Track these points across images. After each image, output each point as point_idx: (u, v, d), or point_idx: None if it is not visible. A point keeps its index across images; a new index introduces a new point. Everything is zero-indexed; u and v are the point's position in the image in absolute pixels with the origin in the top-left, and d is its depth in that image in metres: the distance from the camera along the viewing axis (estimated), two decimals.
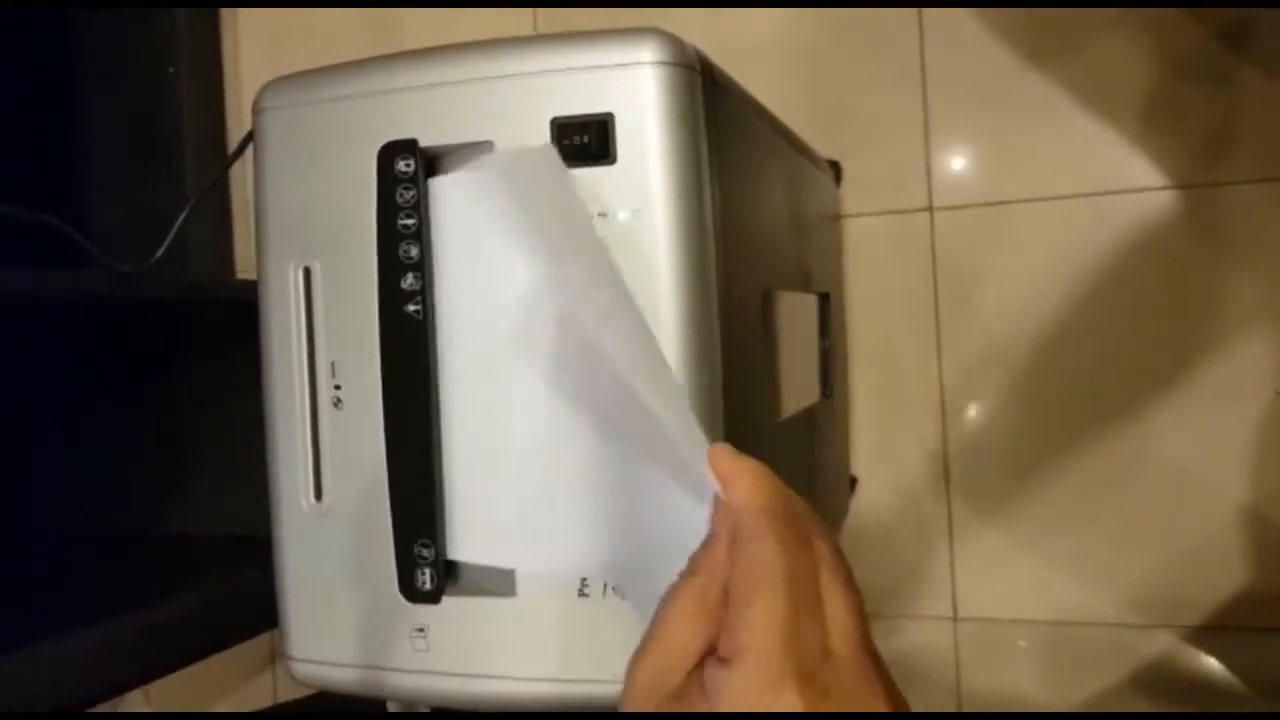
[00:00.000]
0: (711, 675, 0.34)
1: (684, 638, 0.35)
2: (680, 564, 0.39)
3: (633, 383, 0.42)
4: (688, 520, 0.41)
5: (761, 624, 0.33)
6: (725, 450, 0.39)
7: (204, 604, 0.83)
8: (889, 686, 0.35)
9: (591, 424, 0.47)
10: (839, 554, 0.38)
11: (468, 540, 0.54)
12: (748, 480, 0.38)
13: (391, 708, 0.76)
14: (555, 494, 0.50)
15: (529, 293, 0.48)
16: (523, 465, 0.51)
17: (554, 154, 0.51)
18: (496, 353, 0.52)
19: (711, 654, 0.35)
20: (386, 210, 0.55)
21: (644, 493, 0.44)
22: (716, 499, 0.39)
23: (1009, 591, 1.08)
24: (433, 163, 0.55)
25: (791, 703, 0.32)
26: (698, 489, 0.40)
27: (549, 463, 0.50)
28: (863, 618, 0.36)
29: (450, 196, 0.53)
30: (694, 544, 0.39)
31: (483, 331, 0.53)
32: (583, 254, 0.48)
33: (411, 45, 0.57)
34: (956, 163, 1.09)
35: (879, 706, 0.34)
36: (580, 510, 0.48)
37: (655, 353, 0.45)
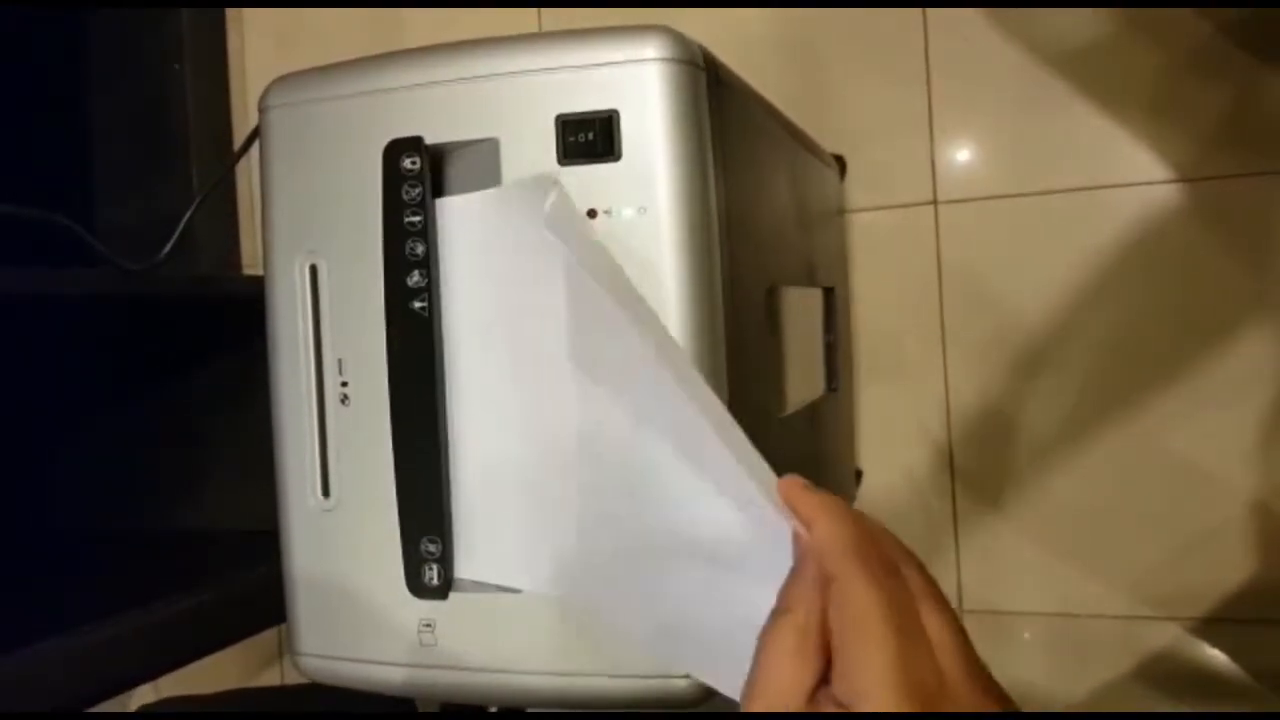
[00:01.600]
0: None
1: (792, 676, 0.35)
2: (741, 584, 0.39)
3: (693, 412, 0.42)
4: (749, 543, 0.40)
5: (874, 664, 0.34)
6: (796, 484, 0.39)
7: (212, 599, 0.84)
8: (1001, 697, 0.35)
9: (637, 444, 0.47)
10: (926, 574, 0.38)
11: (474, 558, 0.54)
12: (827, 518, 0.38)
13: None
14: (569, 508, 0.50)
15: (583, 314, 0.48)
16: (527, 462, 0.52)
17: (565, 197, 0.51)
18: (507, 351, 0.52)
19: (820, 688, 0.35)
20: (392, 207, 0.55)
21: (690, 508, 0.44)
22: (796, 535, 0.39)
23: (1014, 584, 1.08)
24: (438, 160, 0.55)
25: None
26: (759, 520, 0.40)
27: (555, 462, 0.50)
28: (963, 633, 0.36)
29: (462, 216, 0.54)
30: (761, 569, 0.39)
31: (488, 327, 0.53)
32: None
33: (416, 44, 0.57)
34: (961, 156, 1.09)
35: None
36: (588, 515, 0.49)
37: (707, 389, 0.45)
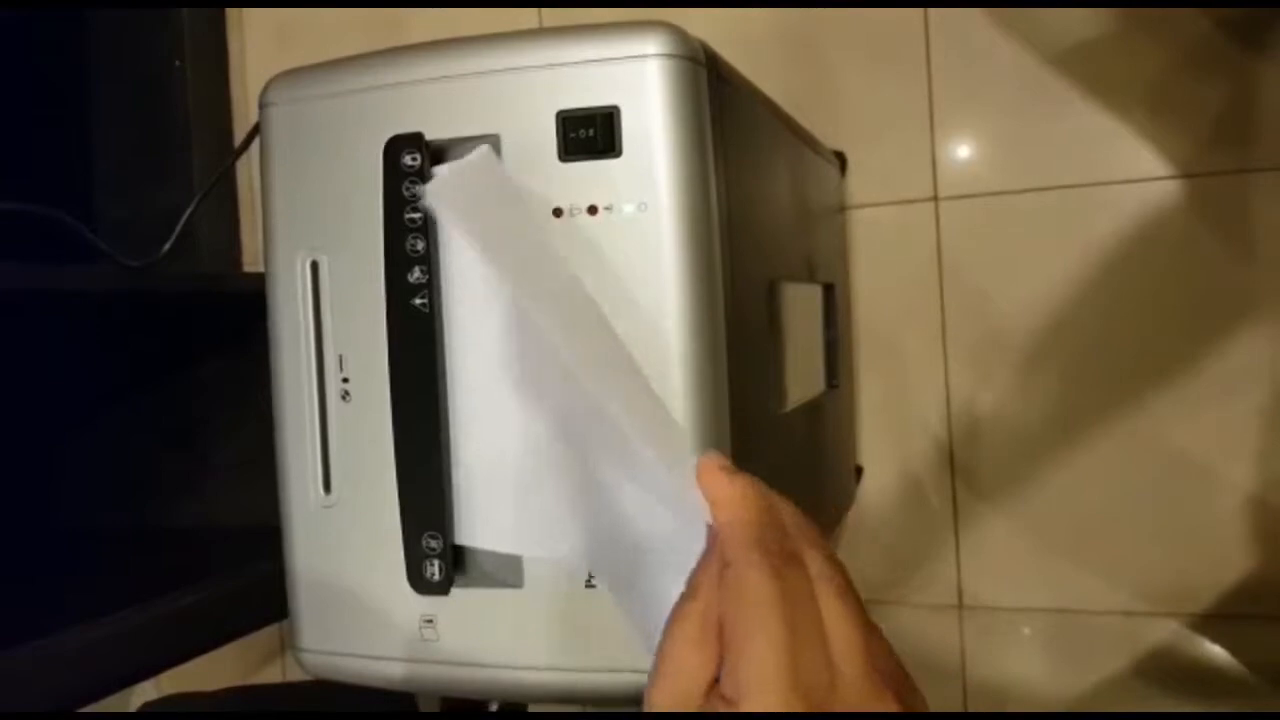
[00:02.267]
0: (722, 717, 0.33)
1: (693, 665, 0.34)
2: (668, 575, 0.38)
3: (601, 394, 0.42)
4: (674, 533, 0.40)
5: (761, 661, 0.32)
6: (712, 465, 0.38)
7: (214, 596, 0.84)
8: (901, 690, 0.34)
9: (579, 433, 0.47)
10: (833, 561, 0.37)
11: (474, 527, 0.55)
12: (730, 504, 0.37)
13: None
14: (553, 489, 0.50)
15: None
16: (525, 459, 0.52)
17: (491, 156, 0.50)
18: (507, 346, 0.52)
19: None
20: (393, 204, 0.55)
21: (630, 499, 0.44)
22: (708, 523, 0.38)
23: (1014, 579, 1.08)
24: (439, 156, 0.55)
25: None
26: (681, 502, 0.39)
27: (548, 458, 0.50)
28: (863, 623, 0.35)
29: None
30: (680, 557, 0.38)
31: (488, 324, 0.53)
32: (537, 262, 0.48)
33: (416, 42, 0.57)
34: (961, 152, 1.09)
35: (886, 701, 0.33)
36: (576, 507, 0.49)
37: (628, 366, 0.45)
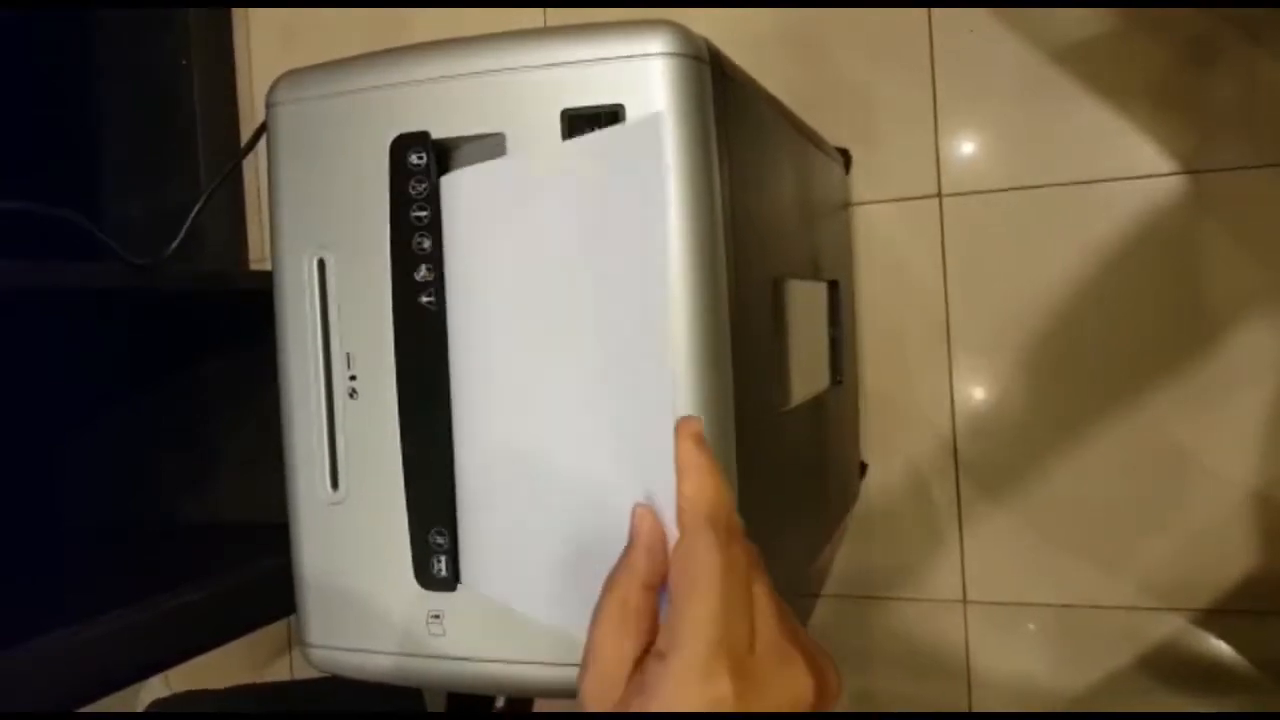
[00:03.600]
0: (652, 669, 0.37)
1: (614, 653, 0.38)
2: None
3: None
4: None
5: (699, 619, 0.37)
6: (689, 430, 0.41)
7: (222, 591, 0.84)
8: (810, 655, 0.38)
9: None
10: (756, 551, 0.41)
11: (481, 557, 0.55)
12: (697, 473, 0.40)
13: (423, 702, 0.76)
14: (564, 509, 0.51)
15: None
16: (535, 459, 0.52)
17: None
18: (515, 341, 0.52)
19: (646, 654, 0.38)
20: (399, 202, 0.55)
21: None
22: (633, 509, 0.42)
23: (1018, 575, 1.08)
24: (445, 155, 0.55)
25: (723, 691, 0.35)
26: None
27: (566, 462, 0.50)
28: (776, 598, 0.39)
29: (464, 189, 0.54)
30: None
31: (495, 321, 0.53)
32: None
33: (421, 41, 0.57)
34: (965, 149, 1.09)
35: (801, 681, 0.37)
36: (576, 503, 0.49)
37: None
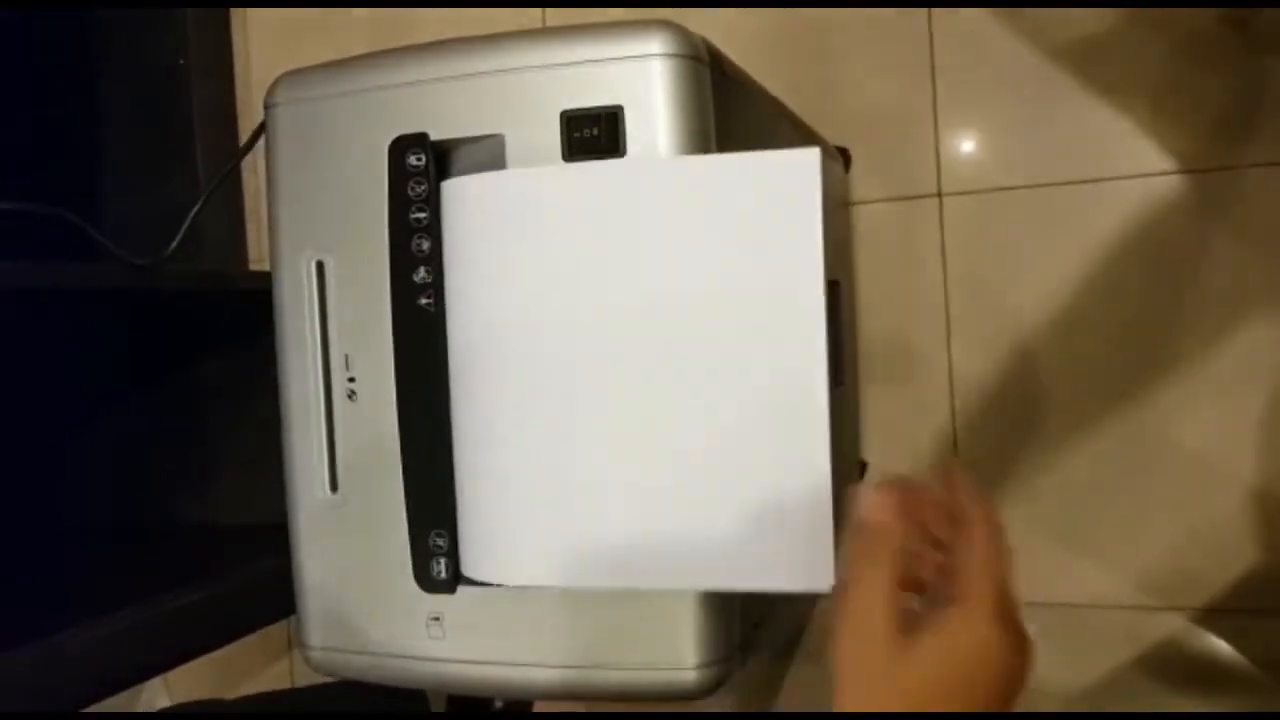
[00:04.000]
0: (940, 610, 0.42)
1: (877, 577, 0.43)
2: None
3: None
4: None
5: (991, 577, 0.43)
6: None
7: (222, 593, 0.84)
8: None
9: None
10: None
11: (481, 555, 0.55)
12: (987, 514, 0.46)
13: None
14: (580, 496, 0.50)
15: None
16: (541, 461, 0.52)
17: None
18: (512, 343, 0.52)
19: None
20: (398, 204, 0.55)
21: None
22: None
23: (1019, 574, 1.08)
24: (443, 156, 0.55)
25: (1003, 633, 0.41)
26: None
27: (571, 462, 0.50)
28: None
29: (469, 196, 0.54)
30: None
31: (495, 323, 0.53)
32: None
33: (420, 42, 0.57)
34: (965, 149, 1.09)
35: (1025, 638, 0.42)
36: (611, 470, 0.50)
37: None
